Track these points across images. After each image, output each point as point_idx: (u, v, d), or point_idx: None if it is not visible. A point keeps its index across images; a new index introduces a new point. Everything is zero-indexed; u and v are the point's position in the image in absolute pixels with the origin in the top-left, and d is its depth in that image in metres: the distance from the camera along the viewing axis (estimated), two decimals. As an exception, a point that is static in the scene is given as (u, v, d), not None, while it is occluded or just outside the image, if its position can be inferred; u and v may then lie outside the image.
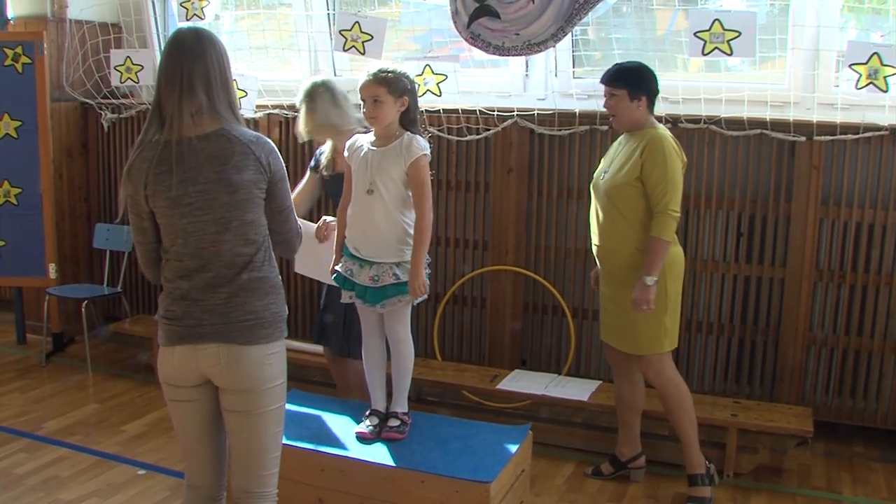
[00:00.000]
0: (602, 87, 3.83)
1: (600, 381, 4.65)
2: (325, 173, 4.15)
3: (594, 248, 3.89)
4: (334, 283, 3.69)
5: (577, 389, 4.53)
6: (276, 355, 2.64)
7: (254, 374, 2.58)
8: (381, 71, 3.40)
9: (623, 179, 3.70)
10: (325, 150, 4.15)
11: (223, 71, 2.56)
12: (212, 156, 2.50)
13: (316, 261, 3.93)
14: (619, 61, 3.88)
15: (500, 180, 4.96)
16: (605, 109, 3.85)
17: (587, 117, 4.74)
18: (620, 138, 3.88)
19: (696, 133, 4.55)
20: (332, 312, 4.12)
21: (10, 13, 6.03)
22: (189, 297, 2.58)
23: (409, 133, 3.46)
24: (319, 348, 4.41)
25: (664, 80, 4.59)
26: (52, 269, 5.72)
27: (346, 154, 3.57)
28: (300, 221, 2.90)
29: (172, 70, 2.51)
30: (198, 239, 2.55)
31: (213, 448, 2.72)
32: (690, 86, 4.54)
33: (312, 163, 4.23)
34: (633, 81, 3.72)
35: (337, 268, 3.60)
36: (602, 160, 3.95)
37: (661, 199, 3.61)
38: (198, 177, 2.49)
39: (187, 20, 5.23)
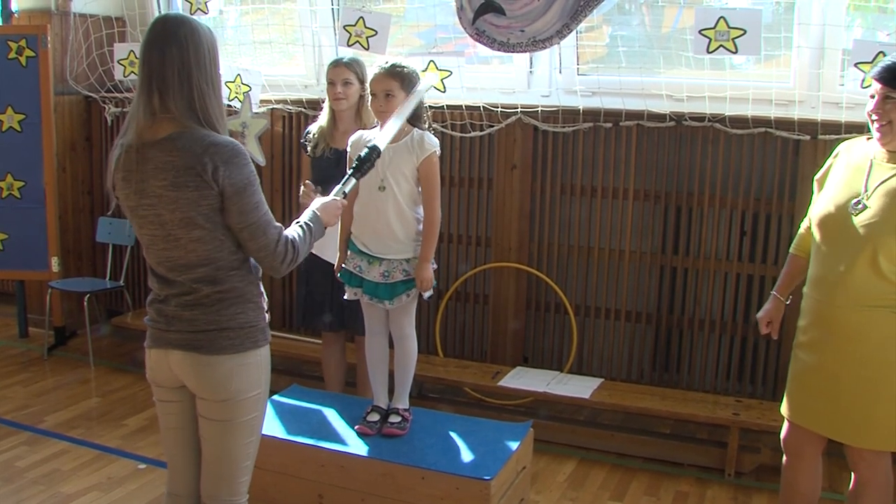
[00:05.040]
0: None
1: (602, 379, 4.65)
2: (311, 154, 4.17)
3: (812, 301, 2.93)
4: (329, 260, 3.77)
5: (579, 387, 4.52)
6: (247, 366, 2.51)
7: (222, 385, 2.48)
8: (395, 65, 3.39)
9: None
10: (314, 128, 4.20)
11: (185, 65, 2.35)
12: (158, 167, 2.35)
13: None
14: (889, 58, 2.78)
15: (504, 177, 4.95)
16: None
17: (591, 114, 4.72)
18: (868, 157, 2.85)
19: (700, 131, 4.54)
20: (315, 294, 4.21)
21: (14, 6, 6.03)
22: (159, 300, 2.52)
23: (417, 129, 3.46)
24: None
25: (668, 78, 4.61)
26: (54, 263, 5.72)
27: (349, 150, 3.57)
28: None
29: (140, 65, 2.40)
30: (154, 252, 2.48)
31: (193, 455, 2.65)
32: (695, 83, 4.52)
33: (301, 144, 4.29)
34: None
35: (343, 265, 3.59)
36: (826, 179, 2.99)
37: None
38: (146, 189, 2.38)
39: (191, 14, 5.21)
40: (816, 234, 2.93)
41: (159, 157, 2.35)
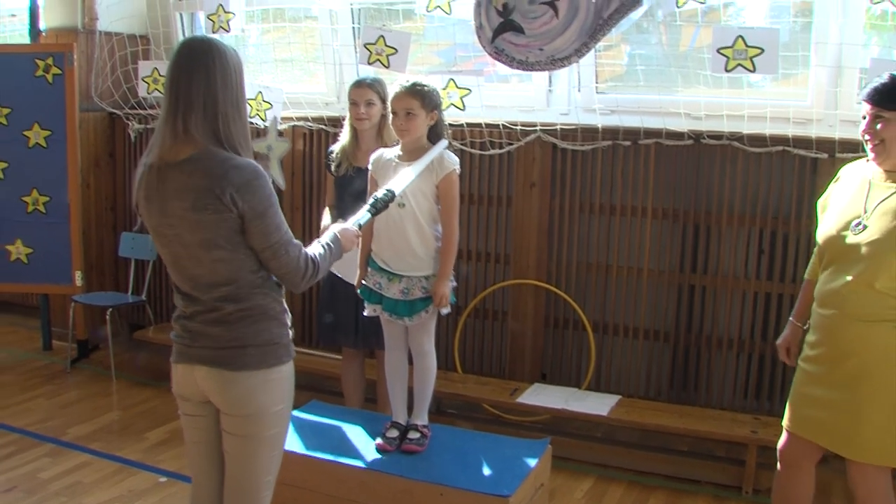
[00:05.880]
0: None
1: (620, 396, 4.65)
2: (335, 173, 4.22)
3: (818, 316, 3.00)
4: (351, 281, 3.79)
5: (597, 404, 4.53)
6: (272, 382, 2.55)
7: (245, 401, 2.52)
8: (416, 84, 3.43)
9: None
10: (336, 147, 4.25)
11: (212, 90, 2.40)
12: (178, 188, 2.40)
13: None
14: (892, 75, 2.83)
15: (523, 194, 4.97)
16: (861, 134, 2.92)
17: (610, 132, 4.73)
18: (867, 178, 2.93)
19: (717, 149, 4.54)
20: (337, 311, 4.26)
21: (41, 25, 6.13)
22: (185, 316, 2.57)
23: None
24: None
25: (687, 97, 4.62)
26: (78, 277, 5.78)
27: (370, 168, 3.60)
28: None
29: (166, 88, 2.45)
30: (177, 270, 2.52)
31: (217, 469, 2.68)
32: (713, 102, 4.53)
33: (326, 164, 4.34)
34: None
35: (363, 281, 3.62)
36: (827, 202, 3.08)
37: None
38: (167, 209, 2.43)
39: (213, 33, 5.26)
40: (822, 256, 3.02)
41: (180, 179, 2.40)
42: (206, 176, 2.37)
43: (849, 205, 2.93)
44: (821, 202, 3.12)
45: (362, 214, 3.00)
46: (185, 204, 2.39)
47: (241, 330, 2.50)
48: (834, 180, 3.12)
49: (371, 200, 3.09)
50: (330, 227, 2.82)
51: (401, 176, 3.28)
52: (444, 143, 3.50)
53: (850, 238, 2.86)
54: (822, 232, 3.02)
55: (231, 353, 2.50)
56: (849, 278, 2.84)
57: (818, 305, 3.01)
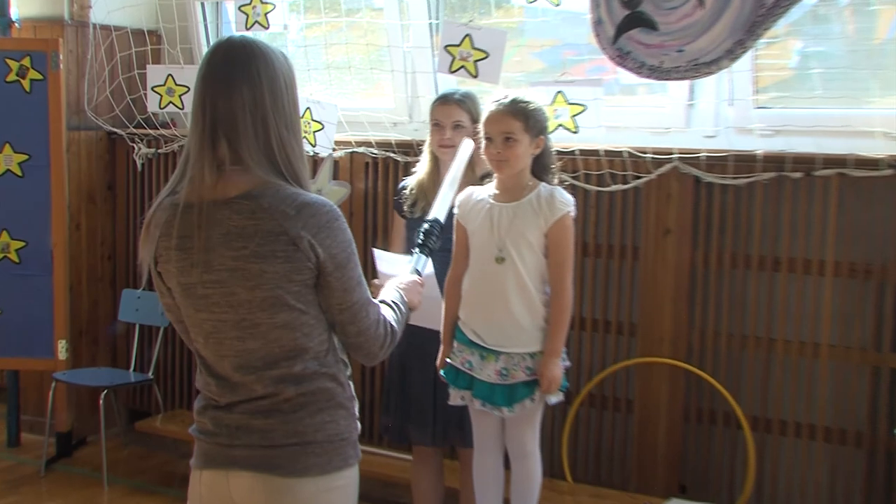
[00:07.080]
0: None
1: (790, 520, 4.60)
2: (408, 214, 4.30)
3: None
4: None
5: (759, 529, 4.50)
6: (335, 491, 2.55)
7: None
8: (517, 101, 3.49)
9: None
10: (412, 181, 4.33)
11: (260, 107, 2.43)
12: (230, 233, 2.41)
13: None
14: None
15: (655, 244, 4.98)
16: None
17: (773, 161, 4.71)
18: None
19: (929, 184, 4.50)
20: (408, 396, 4.28)
21: (14, 13, 6.17)
22: (217, 405, 2.57)
23: (544, 184, 3.53)
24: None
25: (883, 109, 4.59)
26: (61, 348, 5.85)
27: (457, 211, 3.65)
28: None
29: (198, 104, 2.46)
30: (218, 342, 2.52)
31: None
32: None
33: (395, 202, 4.44)
34: None
35: (448, 359, 3.66)
36: None
37: None
38: (212, 261, 2.43)
39: (247, 29, 5.35)
40: None
41: (234, 221, 2.41)
42: (276, 215, 2.39)
43: None
44: None
45: (417, 258, 3.06)
46: (244, 251, 2.40)
47: (301, 421, 2.50)
48: None
49: (419, 239, 3.12)
50: (387, 284, 2.86)
51: (440, 200, 3.29)
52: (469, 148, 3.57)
53: None
54: None
55: (287, 452, 2.49)
56: None
57: None
